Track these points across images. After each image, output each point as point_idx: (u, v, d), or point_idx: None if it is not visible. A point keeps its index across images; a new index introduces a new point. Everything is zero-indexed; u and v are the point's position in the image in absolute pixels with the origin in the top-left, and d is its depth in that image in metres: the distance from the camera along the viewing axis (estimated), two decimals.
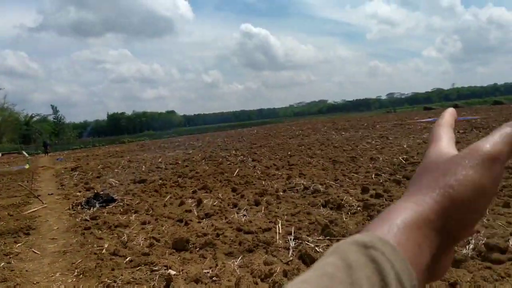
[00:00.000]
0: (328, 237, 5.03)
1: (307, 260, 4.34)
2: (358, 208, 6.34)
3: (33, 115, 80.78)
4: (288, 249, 4.78)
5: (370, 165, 10.38)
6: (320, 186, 8.16)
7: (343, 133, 24.52)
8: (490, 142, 0.42)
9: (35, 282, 4.51)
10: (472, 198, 0.40)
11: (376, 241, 0.35)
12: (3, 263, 5.18)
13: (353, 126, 31.88)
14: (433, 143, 0.48)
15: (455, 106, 51.72)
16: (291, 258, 4.48)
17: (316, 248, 4.68)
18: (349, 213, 6.17)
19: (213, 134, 50.48)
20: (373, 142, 16.57)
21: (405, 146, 13.73)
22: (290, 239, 5.07)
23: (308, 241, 4.93)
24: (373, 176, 8.78)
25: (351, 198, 6.93)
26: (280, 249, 4.84)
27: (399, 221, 0.38)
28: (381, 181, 8.18)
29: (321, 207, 6.68)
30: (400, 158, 10.79)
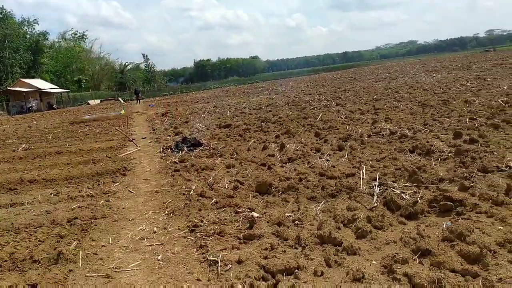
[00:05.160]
0: (415, 184, 4.83)
1: (393, 206, 4.21)
2: (450, 154, 5.97)
3: (127, 63, 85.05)
4: (373, 195, 4.67)
5: (464, 108, 9.68)
6: (407, 131, 7.80)
7: (434, 75, 23.03)
8: None
9: (130, 219, 4.89)
10: None
11: None
12: (102, 201, 5.68)
13: (445, 67, 29.77)
14: None
15: None
16: (375, 204, 4.38)
17: (403, 194, 4.52)
18: (439, 159, 5.85)
19: (297, 79, 49.96)
20: (468, 84, 15.37)
21: (505, 87, 12.57)
22: (375, 185, 4.94)
23: (394, 188, 4.77)
24: (467, 120, 8.18)
25: (441, 144, 6.54)
26: (364, 195, 4.74)
27: None
28: (476, 125, 7.61)
29: (409, 153, 6.40)
30: (499, 100, 9.91)
